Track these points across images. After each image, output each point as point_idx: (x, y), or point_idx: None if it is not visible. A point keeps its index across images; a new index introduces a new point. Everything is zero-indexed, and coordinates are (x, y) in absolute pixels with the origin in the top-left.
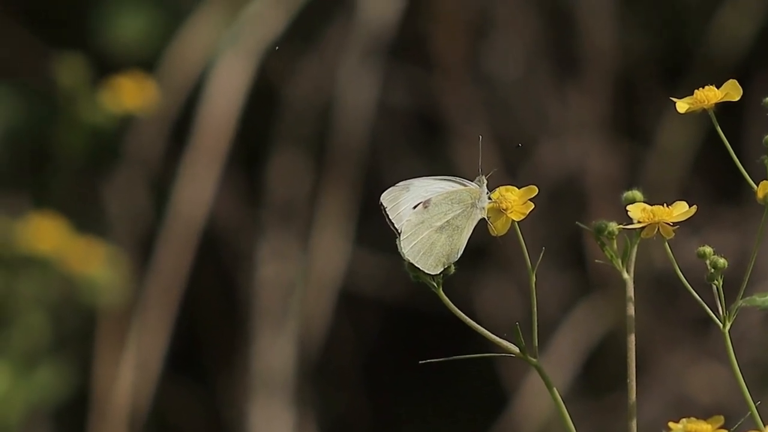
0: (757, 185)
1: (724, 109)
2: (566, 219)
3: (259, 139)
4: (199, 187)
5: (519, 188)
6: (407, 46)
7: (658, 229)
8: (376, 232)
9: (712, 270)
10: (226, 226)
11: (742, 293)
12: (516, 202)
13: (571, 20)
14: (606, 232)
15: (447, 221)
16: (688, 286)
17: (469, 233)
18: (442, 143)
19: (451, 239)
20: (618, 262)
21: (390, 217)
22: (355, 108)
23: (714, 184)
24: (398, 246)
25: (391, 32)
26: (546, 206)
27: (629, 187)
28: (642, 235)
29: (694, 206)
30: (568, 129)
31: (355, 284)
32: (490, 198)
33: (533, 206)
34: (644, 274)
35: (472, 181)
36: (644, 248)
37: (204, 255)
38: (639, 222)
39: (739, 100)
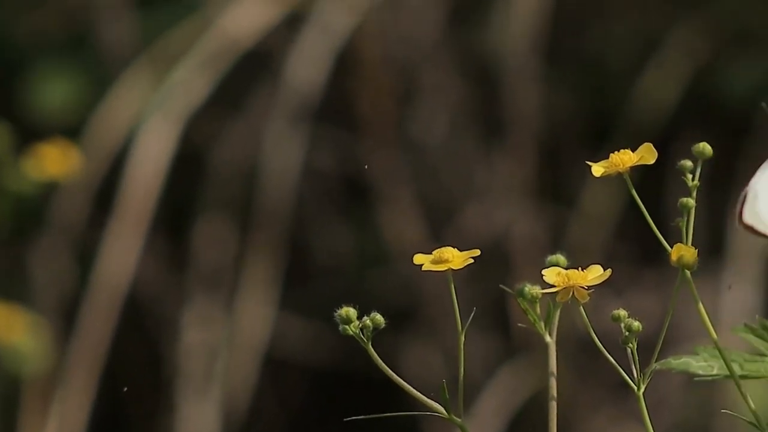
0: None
1: (646, 171)
2: (491, 282)
3: (184, 204)
4: (123, 253)
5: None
6: (333, 111)
7: (573, 292)
8: (301, 297)
9: (627, 333)
10: (150, 291)
11: (656, 356)
12: (457, 255)
13: (497, 84)
14: (529, 296)
15: None
16: (603, 349)
17: None
18: (368, 207)
19: None
20: (541, 326)
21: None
22: (281, 172)
23: (638, 246)
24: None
25: (317, 96)
26: (471, 269)
27: (553, 251)
28: (557, 299)
29: (609, 270)
30: (494, 193)
31: (280, 349)
32: None
33: (472, 261)
34: (568, 336)
35: None
36: (569, 310)
37: (128, 321)
38: (554, 286)
39: (661, 163)
